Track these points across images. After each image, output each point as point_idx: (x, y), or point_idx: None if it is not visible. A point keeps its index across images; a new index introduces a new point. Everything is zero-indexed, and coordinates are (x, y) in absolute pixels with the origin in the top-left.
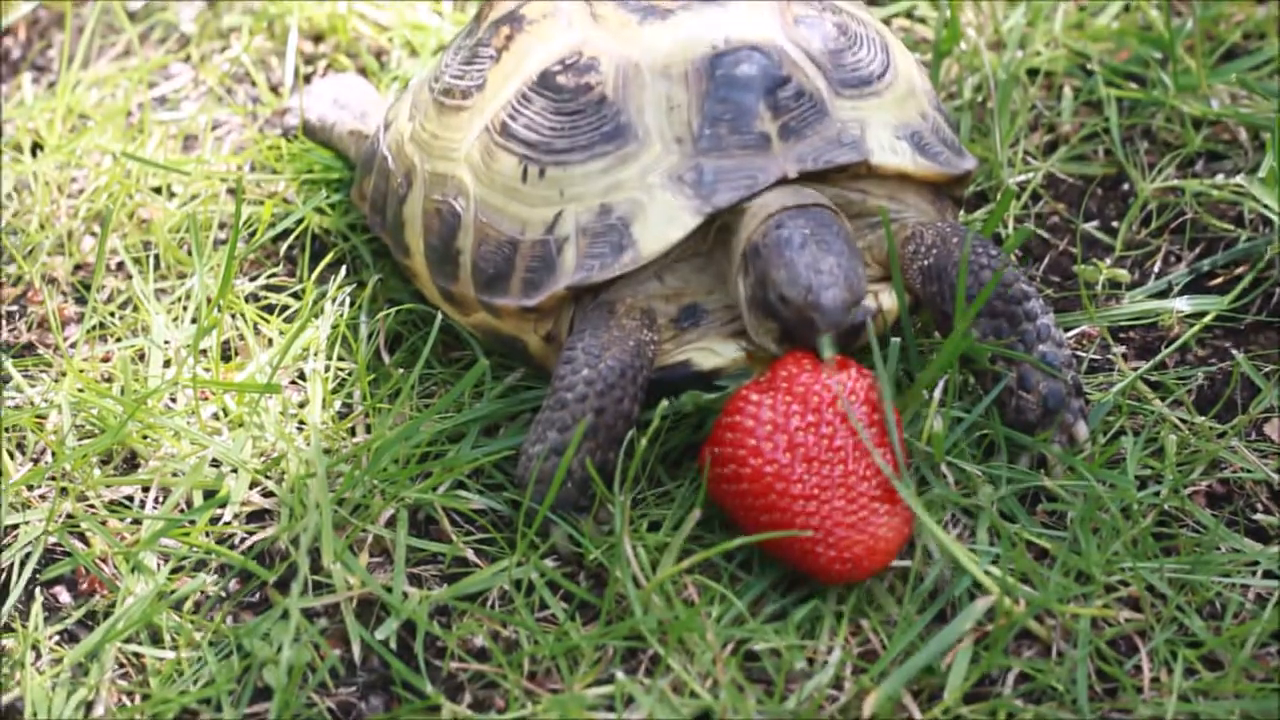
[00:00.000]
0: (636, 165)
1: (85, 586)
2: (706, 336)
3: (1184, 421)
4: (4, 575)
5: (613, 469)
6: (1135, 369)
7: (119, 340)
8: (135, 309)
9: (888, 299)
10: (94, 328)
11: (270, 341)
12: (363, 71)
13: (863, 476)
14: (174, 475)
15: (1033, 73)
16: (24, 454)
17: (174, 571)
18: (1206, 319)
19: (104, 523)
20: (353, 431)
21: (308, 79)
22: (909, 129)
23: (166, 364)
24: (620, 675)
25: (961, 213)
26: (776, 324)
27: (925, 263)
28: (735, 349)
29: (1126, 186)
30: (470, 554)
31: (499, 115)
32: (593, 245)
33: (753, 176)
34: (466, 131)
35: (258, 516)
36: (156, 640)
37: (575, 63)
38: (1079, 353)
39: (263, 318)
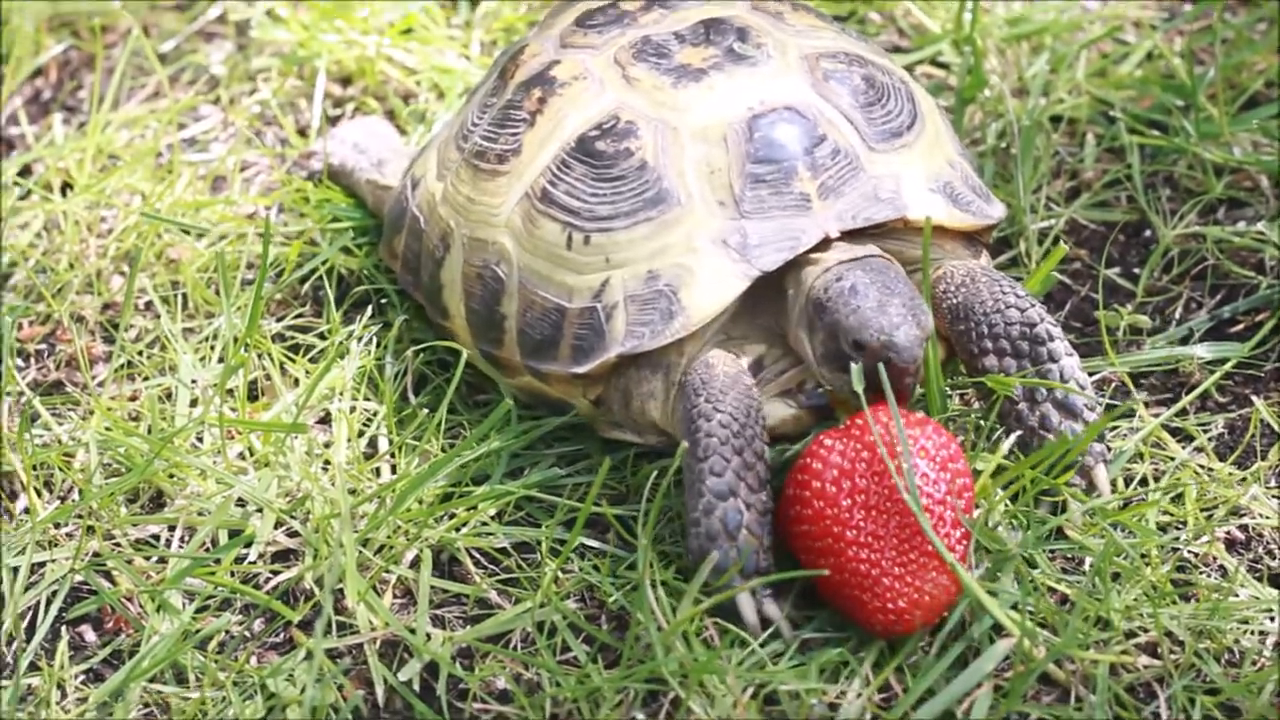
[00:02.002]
0: (681, 230)
1: (111, 625)
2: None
3: (1204, 468)
4: (30, 613)
5: (771, 523)
6: (1156, 414)
7: (146, 379)
8: (163, 348)
9: None
10: (122, 366)
11: (296, 381)
12: (390, 114)
13: (920, 531)
14: (200, 514)
15: (1056, 119)
16: (51, 492)
17: (199, 611)
18: (1227, 365)
19: (130, 561)
20: (378, 472)
21: (334, 121)
22: (941, 180)
23: (193, 403)
24: (641, 718)
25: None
26: (847, 375)
27: (954, 301)
28: (785, 408)
29: (1148, 233)
30: (493, 595)
31: (539, 181)
32: (642, 312)
33: (796, 238)
34: (505, 197)
35: (283, 556)
36: (181, 680)
37: (613, 127)
38: (1100, 398)
39: (289, 357)
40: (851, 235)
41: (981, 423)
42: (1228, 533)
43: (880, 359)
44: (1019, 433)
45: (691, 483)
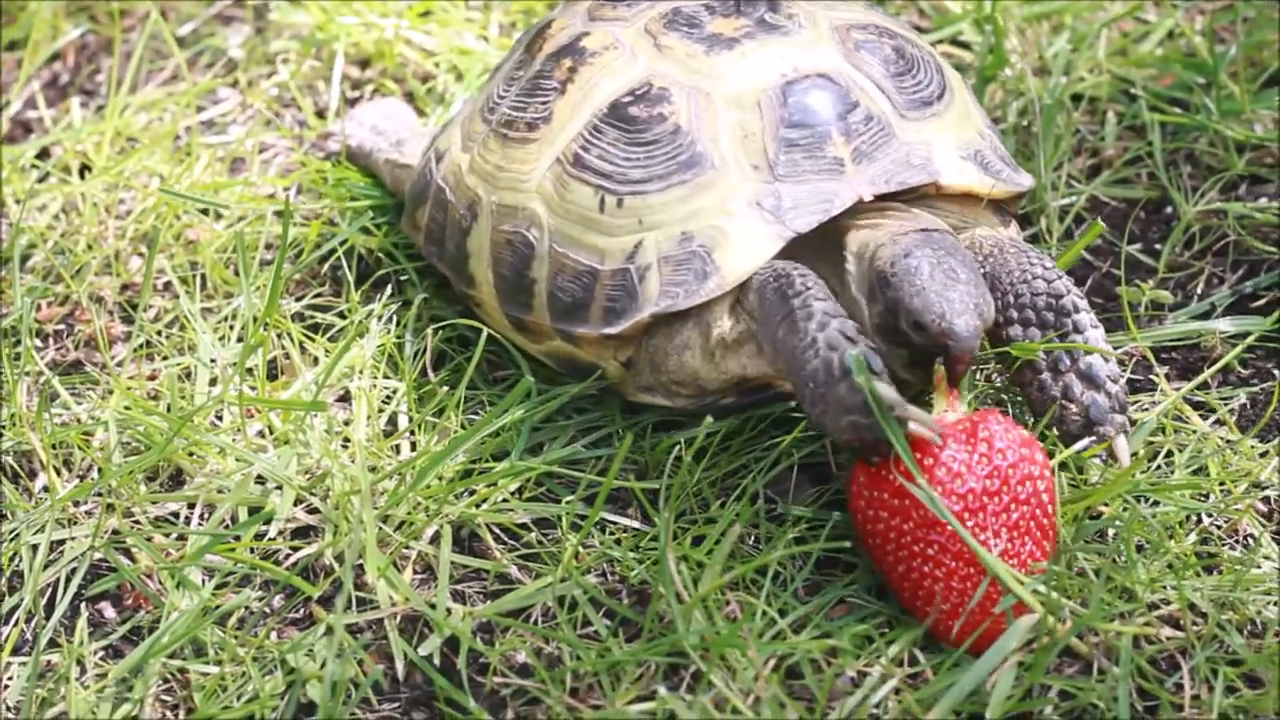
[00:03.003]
0: (715, 193)
1: (130, 602)
2: None
3: (1226, 441)
4: (50, 590)
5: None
6: (1178, 389)
7: (165, 359)
8: (182, 328)
9: None
10: (141, 346)
11: (315, 360)
12: (409, 96)
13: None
14: (219, 492)
15: (1076, 98)
16: (71, 470)
17: (218, 587)
18: (1249, 339)
19: (149, 539)
20: (397, 449)
21: (352, 103)
22: (971, 148)
23: (213, 382)
24: (663, 691)
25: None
26: (906, 350)
27: (981, 271)
28: None
29: (1169, 210)
30: (514, 570)
31: (571, 147)
32: (676, 272)
33: (829, 200)
34: (535, 163)
35: (302, 533)
36: (201, 655)
37: (646, 93)
38: (1122, 370)
39: (308, 336)
40: (883, 203)
41: (1004, 397)
42: (1250, 505)
43: (937, 345)
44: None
45: (796, 320)
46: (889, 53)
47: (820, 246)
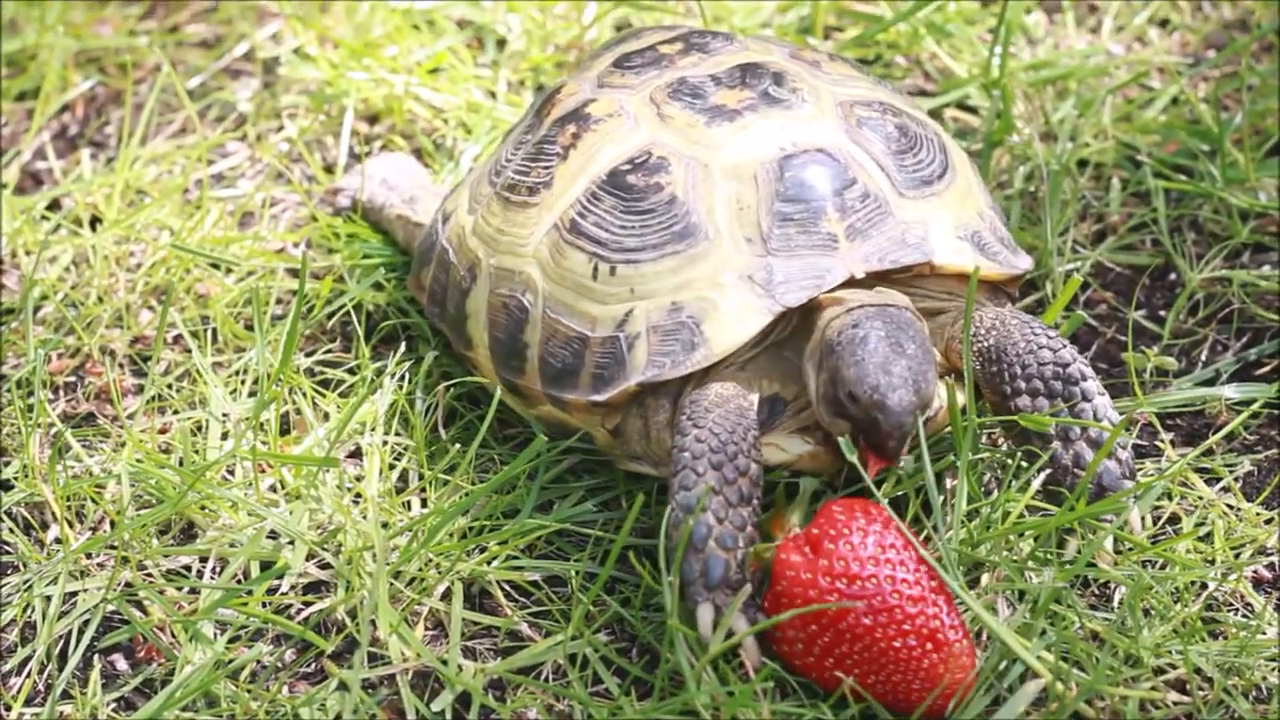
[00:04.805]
0: (707, 264)
1: (143, 654)
2: (775, 431)
3: (1231, 507)
4: (63, 642)
5: (753, 537)
6: (1183, 454)
7: (177, 412)
8: (193, 381)
9: (944, 395)
10: (152, 399)
11: (326, 415)
12: (417, 152)
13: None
14: (232, 545)
15: (1082, 163)
16: (83, 523)
17: (231, 641)
18: (1254, 406)
19: (162, 592)
20: (408, 506)
21: (359, 158)
22: (969, 229)
23: (224, 436)
24: None
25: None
26: (846, 421)
27: (985, 344)
28: (801, 444)
29: (1174, 276)
30: (525, 627)
31: (568, 213)
32: (664, 342)
33: (821, 276)
34: (534, 228)
35: (314, 588)
36: (214, 709)
37: (645, 162)
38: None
39: (319, 392)
40: (878, 280)
41: (1009, 461)
42: (1255, 572)
43: (869, 418)
44: (1049, 470)
45: (669, 495)
46: (891, 130)
47: (805, 321)
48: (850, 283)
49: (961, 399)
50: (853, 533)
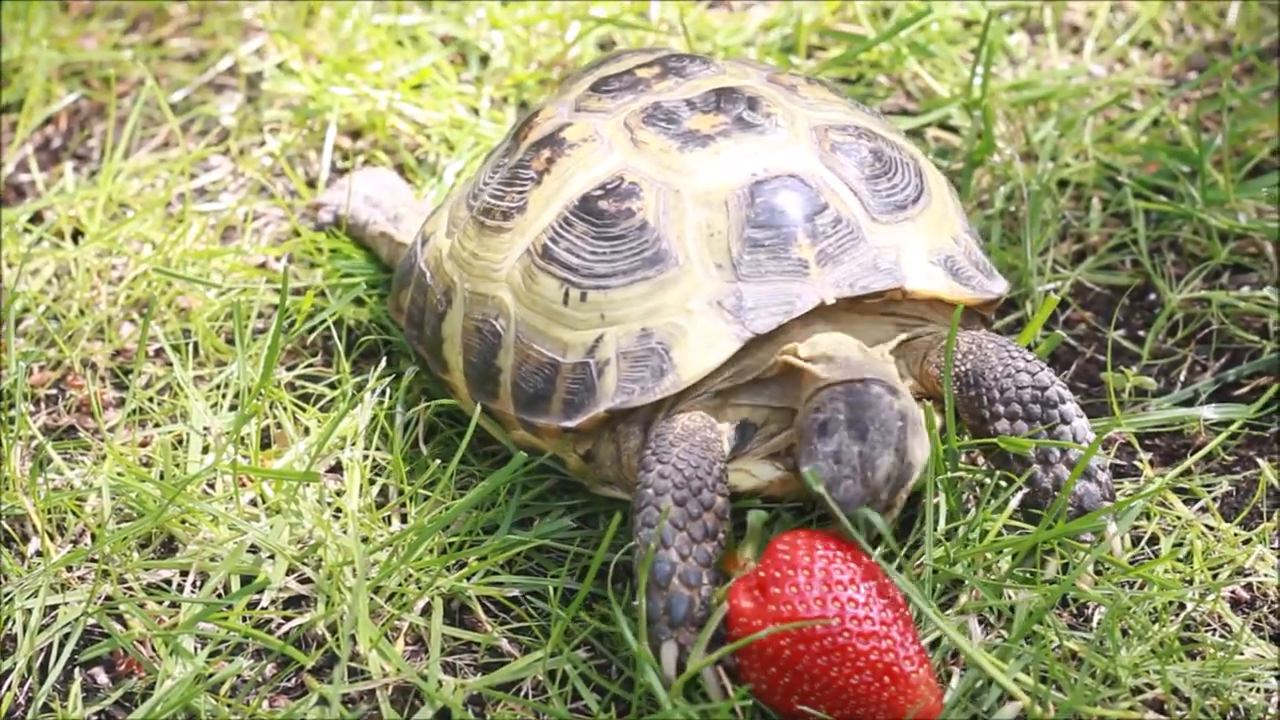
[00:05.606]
0: (677, 290)
1: (123, 668)
2: (745, 457)
3: (1209, 528)
4: (43, 655)
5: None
6: (1161, 475)
7: (158, 426)
8: (174, 395)
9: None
10: (133, 413)
11: (307, 430)
12: (400, 168)
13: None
14: (212, 560)
15: (1063, 184)
16: (64, 535)
17: (212, 655)
18: (1232, 427)
19: (142, 605)
20: (389, 521)
21: (342, 174)
22: (942, 254)
23: (205, 450)
24: None
25: (993, 318)
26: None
27: (961, 369)
28: (772, 470)
29: (1153, 297)
30: (504, 643)
31: (540, 238)
32: (634, 369)
33: (791, 302)
34: (507, 253)
35: (295, 602)
36: None
37: (617, 188)
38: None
39: (300, 406)
40: (851, 306)
41: (987, 481)
42: (1233, 592)
43: (821, 501)
44: (1025, 491)
45: (632, 529)
46: (865, 155)
47: (776, 345)
48: (825, 308)
49: (940, 421)
50: (798, 572)
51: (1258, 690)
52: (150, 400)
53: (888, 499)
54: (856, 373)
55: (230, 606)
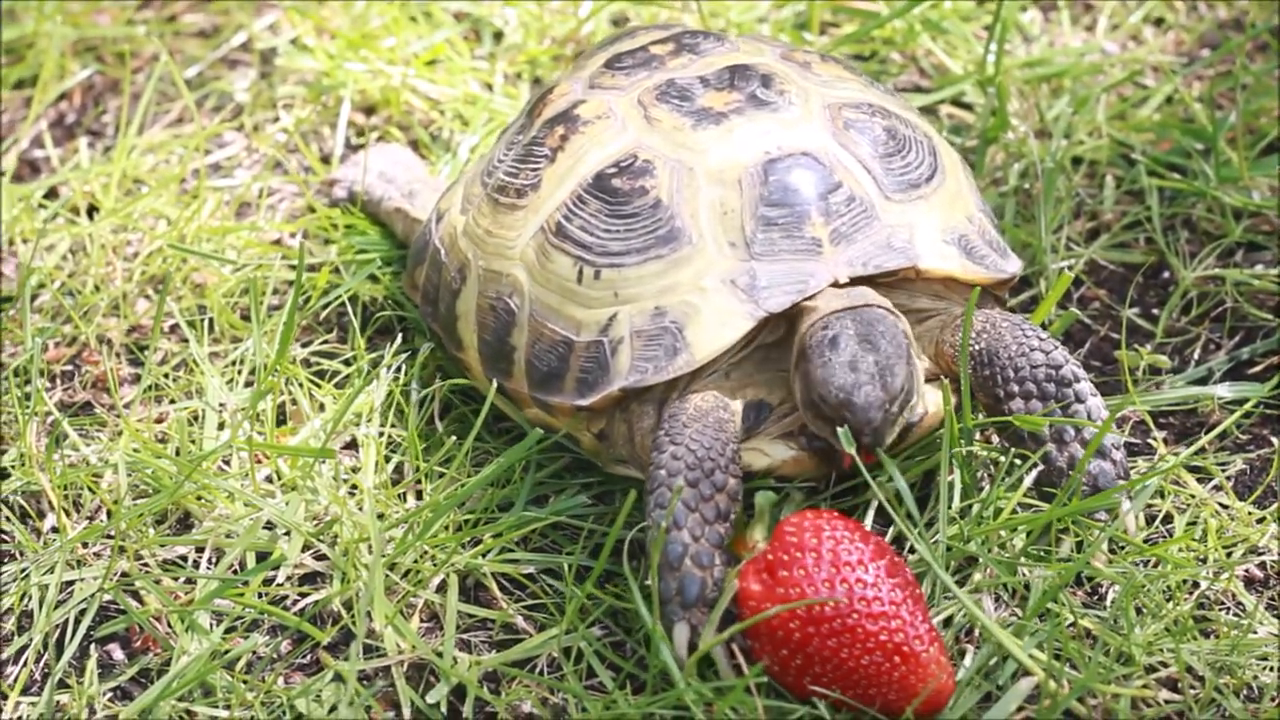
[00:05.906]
0: (690, 269)
1: (139, 644)
2: (759, 437)
3: (1223, 506)
4: (59, 631)
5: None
6: (1175, 453)
7: (173, 402)
8: (190, 371)
9: (934, 399)
10: (149, 389)
11: (322, 407)
12: (414, 144)
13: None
14: (228, 536)
15: (1076, 161)
16: (80, 511)
17: (227, 631)
18: (1247, 405)
19: (158, 581)
20: (404, 497)
21: (356, 149)
22: (956, 233)
23: (221, 426)
24: None
25: (1007, 297)
26: (826, 424)
27: (976, 348)
28: (785, 450)
29: (1167, 275)
30: (519, 620)
31: (554, 216)
32: (647, 347)
33: (804, 280)
34: (521, 230)
35: (310, 579)
36: (209, 698)
37: (630, 165)
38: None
39: (315, 383)
40: (863, 284)
41: (1001, 459)
42: (1247, 571)
43: (839, 417)
44: (1039, 469)
45: (645, 514)
46: (879, 133)
47: (791, 326)
48: (836, 287)
49: (955, 401)
50: (806, 554)
51: (1271, 668)
52: (166, 376)
53: (896, 412)
54: (857, 300)
55: (246, 583)
